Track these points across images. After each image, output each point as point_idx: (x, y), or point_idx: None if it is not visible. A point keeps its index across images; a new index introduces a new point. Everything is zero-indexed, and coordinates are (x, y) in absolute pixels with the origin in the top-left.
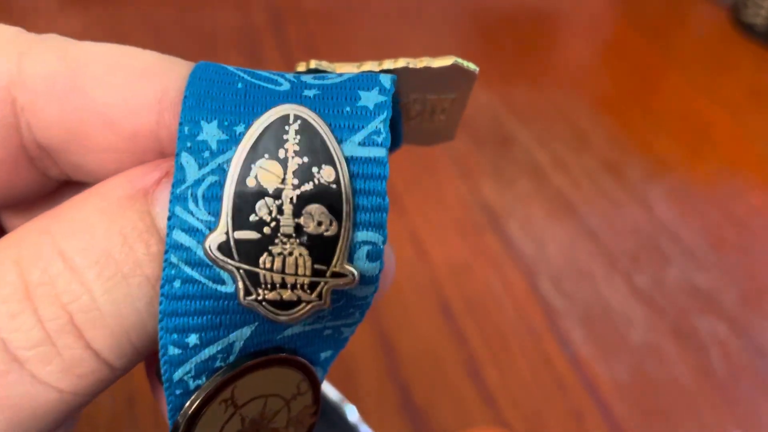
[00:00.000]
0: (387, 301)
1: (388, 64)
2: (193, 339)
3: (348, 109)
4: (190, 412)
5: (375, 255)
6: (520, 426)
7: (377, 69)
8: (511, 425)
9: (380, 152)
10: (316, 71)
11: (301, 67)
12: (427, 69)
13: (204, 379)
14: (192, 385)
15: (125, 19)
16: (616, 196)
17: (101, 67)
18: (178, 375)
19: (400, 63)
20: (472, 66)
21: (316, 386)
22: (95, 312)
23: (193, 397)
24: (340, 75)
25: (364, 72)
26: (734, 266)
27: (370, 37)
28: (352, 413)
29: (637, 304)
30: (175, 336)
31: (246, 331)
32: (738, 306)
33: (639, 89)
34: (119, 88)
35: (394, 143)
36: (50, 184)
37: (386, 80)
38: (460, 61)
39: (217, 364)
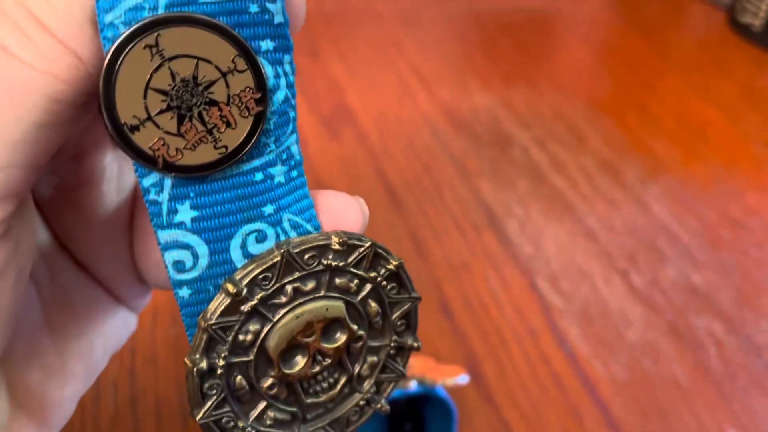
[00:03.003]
0: None
1: None
2: None
3: None
4: (113, 47)
5: None
6: (519, 424)
7: None
8: (510, 423)
9: None
10: None
11: None
12: None
13: None
14: (122, 29)
15: None
16: (614, 196)
17: None
18: (108, 19)
19: None
20: None
21: (256, 69)
22: (47, 6)
23: (116, 37)
24: None
25: None
26: (731, 265)
27: (370, 39)
28: None
29: (634, 303)
30: None
31: None
32: (734, 305)
33: (636, 90)
34: None
35: None
36: None
37: None
38: None
39: (145, 14)
